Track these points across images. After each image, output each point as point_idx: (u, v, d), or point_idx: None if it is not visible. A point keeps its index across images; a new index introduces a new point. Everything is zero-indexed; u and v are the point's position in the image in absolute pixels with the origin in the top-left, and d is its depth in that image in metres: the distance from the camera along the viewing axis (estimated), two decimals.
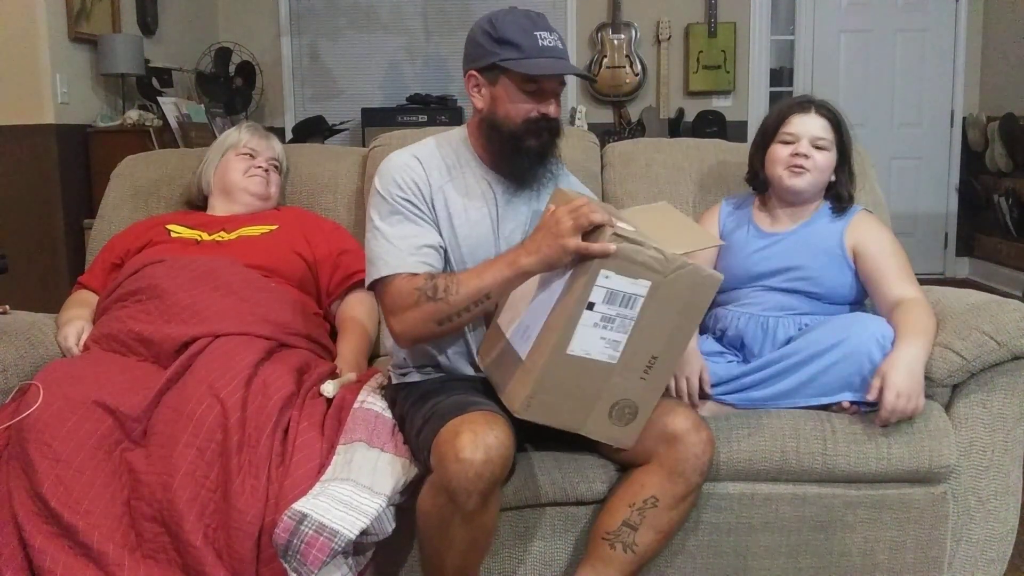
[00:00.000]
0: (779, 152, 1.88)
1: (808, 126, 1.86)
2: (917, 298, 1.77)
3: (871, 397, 1.65)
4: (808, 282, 1.85)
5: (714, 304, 1.96)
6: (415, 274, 1.58)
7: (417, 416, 1.59)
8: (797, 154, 1.85)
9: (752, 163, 1.98)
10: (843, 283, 1.86)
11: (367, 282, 1.65)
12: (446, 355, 1.70)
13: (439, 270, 1.62)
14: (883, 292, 1.80)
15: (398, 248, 1.60)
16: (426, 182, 1.65)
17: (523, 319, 1.52)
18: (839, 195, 1.91)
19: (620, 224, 1.43)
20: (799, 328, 1.84)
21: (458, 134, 1.75)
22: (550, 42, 1.59)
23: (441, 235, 1.65)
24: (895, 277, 1.80)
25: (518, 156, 1.64)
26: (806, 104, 1.89)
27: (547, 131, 1.64)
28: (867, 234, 1.86)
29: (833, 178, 1.90)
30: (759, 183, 1.98)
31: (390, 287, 1.59)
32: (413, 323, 1.56)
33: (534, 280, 1.52)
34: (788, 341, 1.81)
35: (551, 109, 1.63)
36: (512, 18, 1.61)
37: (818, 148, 1.85)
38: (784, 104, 1.94)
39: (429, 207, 1.65)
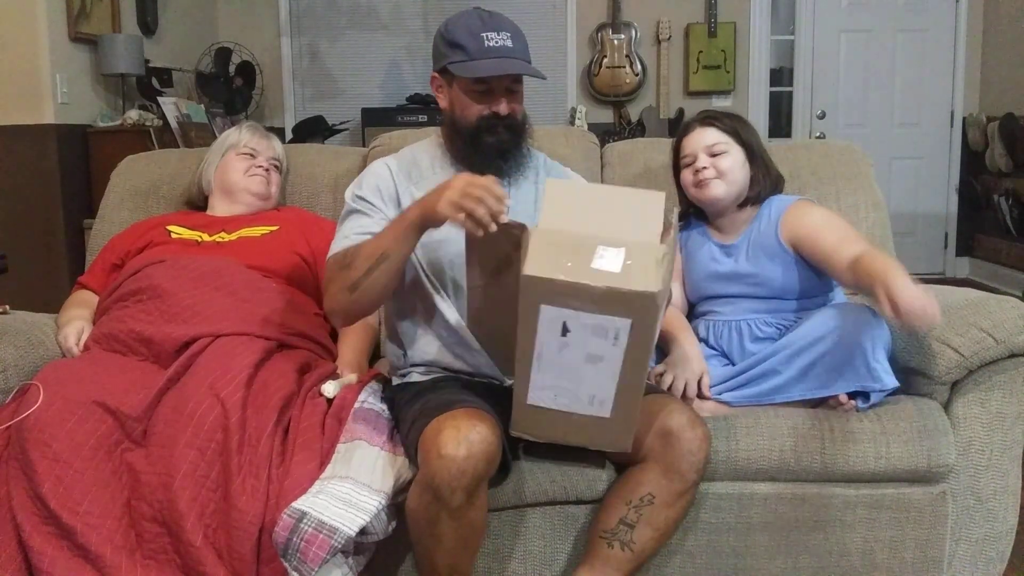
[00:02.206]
0: (686, 177, 1.93)
1: (697, 140, 1.90)
2: (867, 249, 1.72)
3: (888, 312, 1.49)
4: (763, 287, 1.87)
5: (690, 316, 1.99)
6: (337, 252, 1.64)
7: (407, 415, 1.61)
8: (696, 170, 1.88)
9: (680, 197, 2.01)
10: (796, 278, 1.85)
11: None
12: (442, 349, 1.70)
13: None
14: (832, 265, 1.76)
15: (344, 237, 1.66)
16: (390, 183, 1.72)
17: (572, 392, 1.46)
18: (753, 187, 1.90)
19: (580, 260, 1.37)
20: (774, 327, 1.85)
21: (436, 135, 1.81)
22: (497, 42, 1.62)
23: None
24: (834, 245, 1.76)
25: (477, 153, 1.69)
26: (689, 124, 1.94)
27: (503, 128, 1.68)
28: (798, 220, 1.85)
29: (752, 172, 1.91)
30: (695, 210, 2.00)
31: (328, 265, 1.65)
32: (333, 296, 1.62)
33: (547, 358, 1.43)
34: (765, 340, 1.83)
35: (502, 107, 1.67)
36: (464, 20, 1.66)
37: (715, 155, 1.88)
38: (676, 136, 1.98)
39: (390, 205, 1.70)
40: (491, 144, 1.68)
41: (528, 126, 1.75)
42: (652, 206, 1.46)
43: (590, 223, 1.43)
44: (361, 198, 1.70)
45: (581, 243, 1.40)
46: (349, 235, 1.66)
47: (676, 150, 1.96)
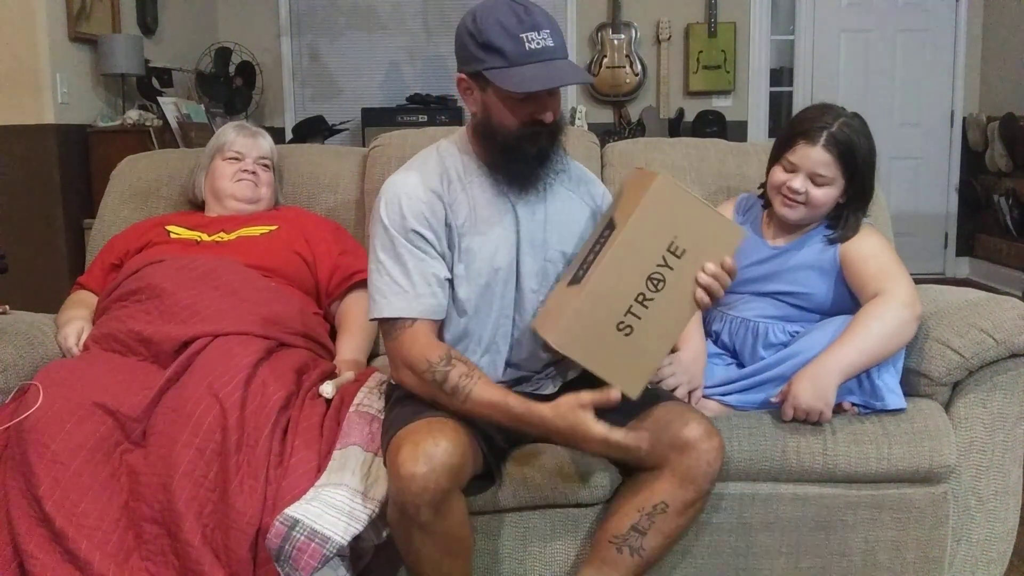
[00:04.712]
0: (777, 177, 1.81)
1: (810, 159, 1.74)
2: (885, 292, 1.70)
3: (774, 400, 1.71)
4: (801, 297, 1.83)
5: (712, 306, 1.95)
6: (431, 324, 1.53)
7: (387, 421, 1.58)
8: (791, 188, 1.77)
9: (767, 175, 1.91)
10: (834, 297, 1.82)
11: (370, 315, 1.56)
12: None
13: (444, 306, 1.55)
14: (862, 296, 1.75)
15: (402, 288, 1.51)
16: (436, 203, 1.54)
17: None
18: (839, 220, 1.82)
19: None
20: (789, 335, 1.82)
21: (459, 139, 1.63)
22: (539, 43, 1.43)
23: (452, 252, 1.56)
24: (870, 277, 1.74)
25: (516, 162, 1.54)
26: (817, 134, 1.74)
27: (546, 135, 1.53)
28: (854, 243, 1.80)
29: (842, 200, 1.81)
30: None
31: (401, 336, 1.52)
32: (411, 385, 1.54)
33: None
34: (778, 346, 1.81)
35: (548, 116, 1.50)
36: (496, 15, 1.44)
37: (817, 184, 1.76)
38: (799, 121, 1.80)
39: (439, 231, 1.54)
40: (532, 152, 1.52)
41: (566, 126, 1.60)
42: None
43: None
44: (413, 231, 1.52)
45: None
46: (405, 286, 1.51)
47: (787, 140, 1.79)
